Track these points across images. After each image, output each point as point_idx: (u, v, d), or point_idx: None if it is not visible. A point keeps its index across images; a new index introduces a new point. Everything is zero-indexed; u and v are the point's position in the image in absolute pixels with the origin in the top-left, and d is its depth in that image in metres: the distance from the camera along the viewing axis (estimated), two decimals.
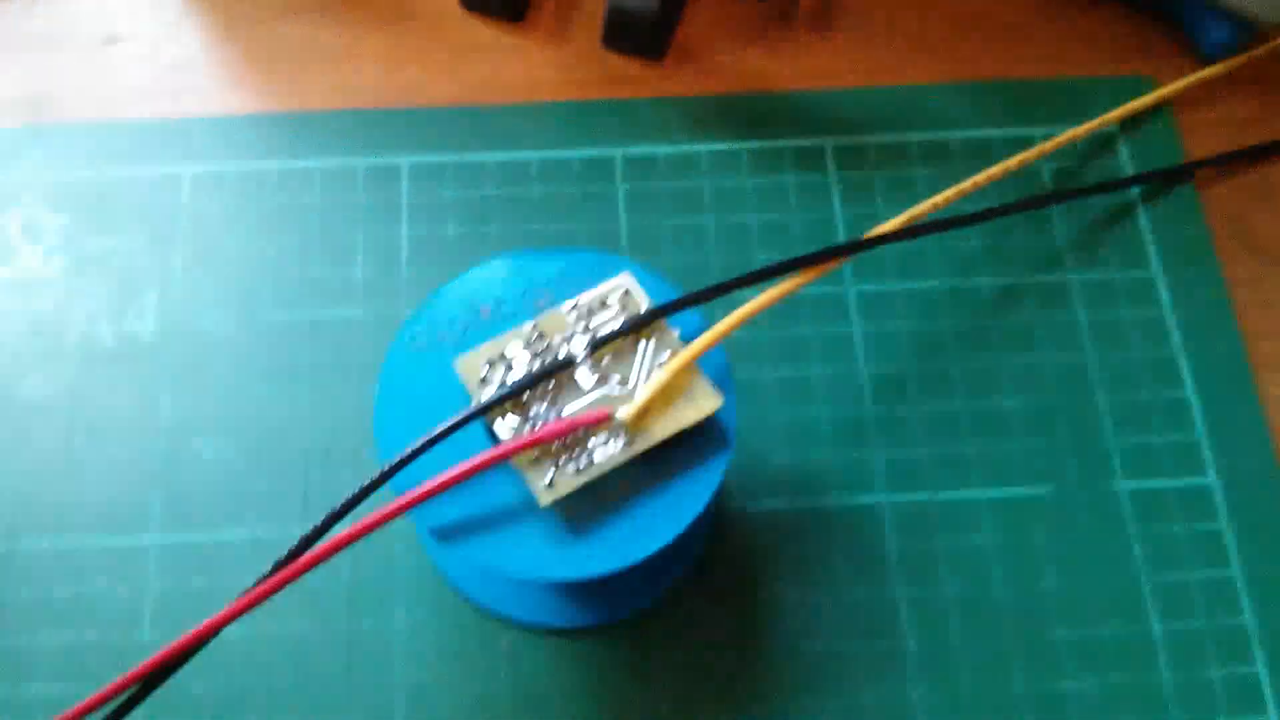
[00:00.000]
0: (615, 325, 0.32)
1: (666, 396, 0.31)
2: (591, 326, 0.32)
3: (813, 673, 0.39)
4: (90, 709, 0.29)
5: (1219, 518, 0.41)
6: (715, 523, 0.41)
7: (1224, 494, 0.42)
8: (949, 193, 0.42)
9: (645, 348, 0.32)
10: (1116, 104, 0.49)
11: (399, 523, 0.40)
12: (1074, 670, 0.39)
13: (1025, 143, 0.49)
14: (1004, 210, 0.42)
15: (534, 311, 0.33)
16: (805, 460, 0.42)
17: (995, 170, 0.44)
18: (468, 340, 0.33)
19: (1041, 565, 0.40)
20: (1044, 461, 0.42)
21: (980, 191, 0.44)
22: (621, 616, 0.39)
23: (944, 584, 0.40)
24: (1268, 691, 0.39)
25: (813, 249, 0.45)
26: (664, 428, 0.31)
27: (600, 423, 0.30)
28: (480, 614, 0.39)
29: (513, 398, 0.30)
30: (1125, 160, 0.49)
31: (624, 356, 0.32)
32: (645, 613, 0.39)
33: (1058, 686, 0.39)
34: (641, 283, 0.33)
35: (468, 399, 0.32)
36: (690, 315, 0.33)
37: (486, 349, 0.31)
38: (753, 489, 0.41)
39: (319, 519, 0.30)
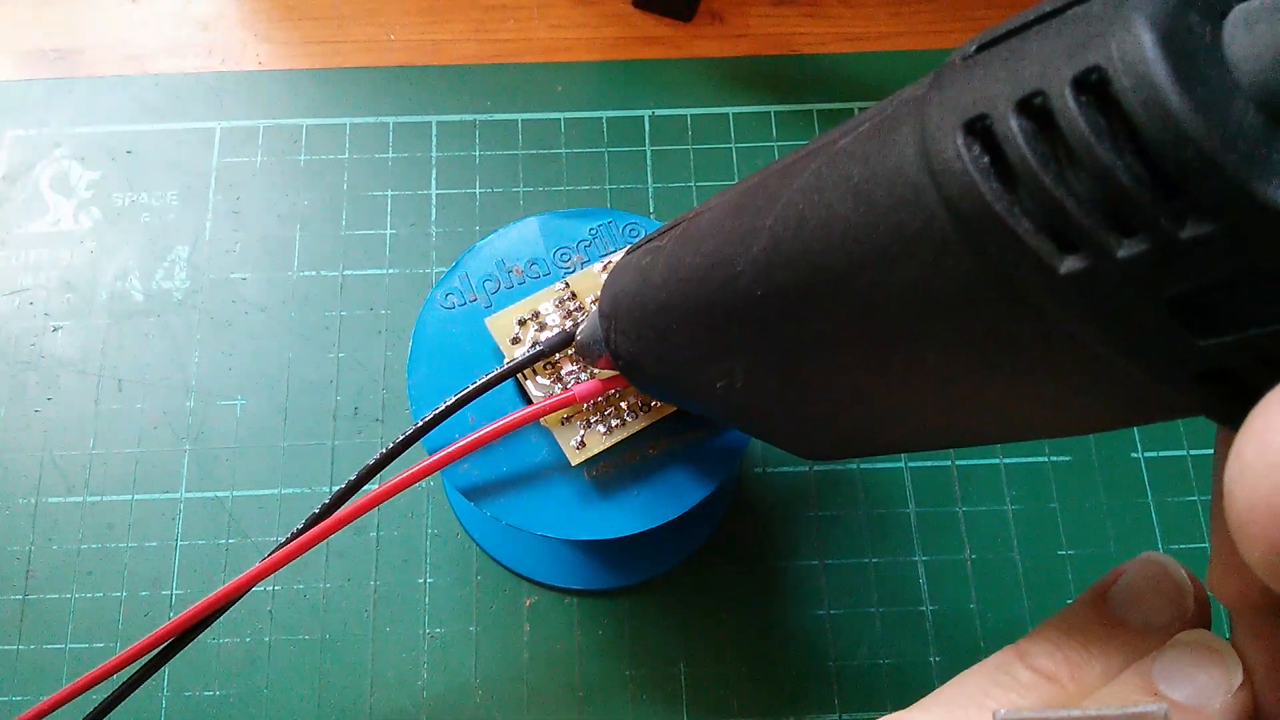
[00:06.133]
0: None
1: None
2: None
3: (831, 635, 0.39)
4: (121, 665, 0.30)
5: None
6: (738, 486, 0.41)
7: None
8: None
9: None
10: None
11: (426, 481, 0.40)
12: None
13: None
14: None
15: (566, 271, 0.33)
16: None
17: None
18: (500, 299, 0.33)
19: (1060, 532, 0.41)
20: None
21: None
22: (643, 578, 0.39)
23: (963, 549, 0.40)
24: None
25: None
26: None
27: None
28: (505, 573, 0.40)
29: (544, 357, 0.30)
30: None
31: None
32: (666, 573, 0.40)
33: None
34: None
35: (499, 358, 0.32)
36: None
37: (519, 308, 0.32)
38: (775, 453, 0.42)
39: (347, 478, 0.30)
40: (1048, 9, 0.14)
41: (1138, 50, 0.12)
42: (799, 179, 0.19)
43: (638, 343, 0.26)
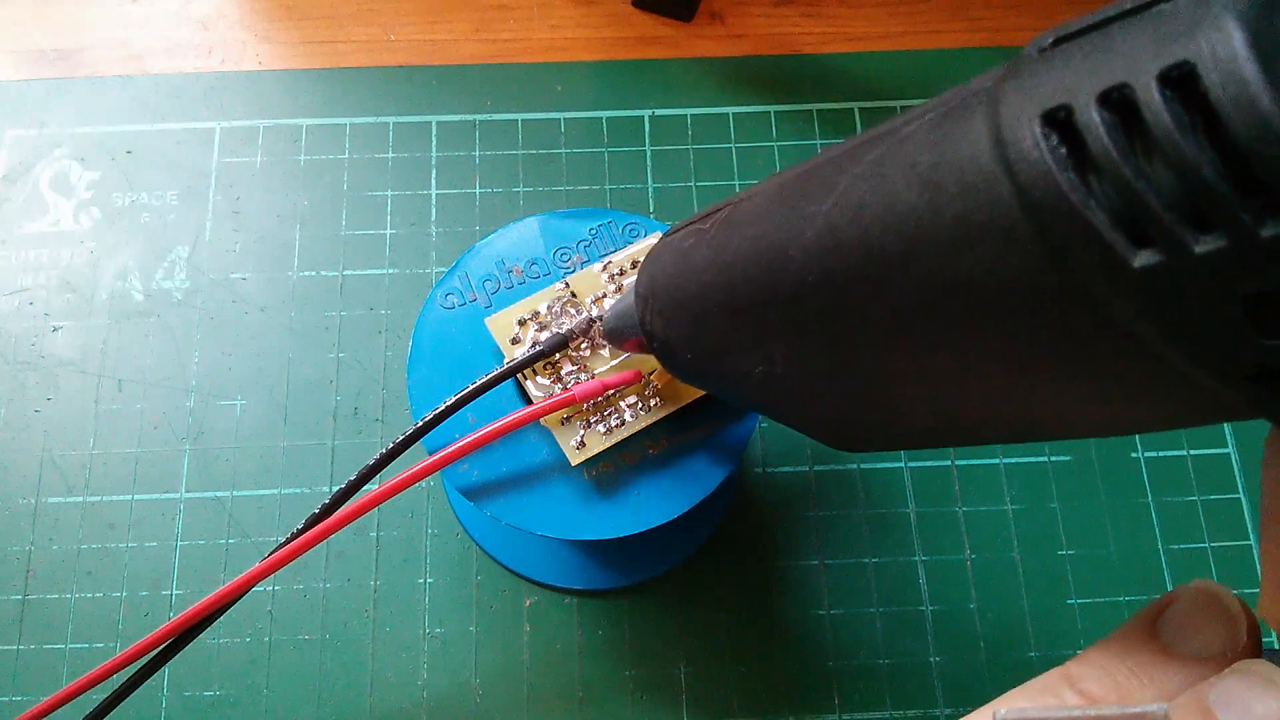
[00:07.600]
0: None
1: None
2: (623, 287, 0.32)
3: (831, 635, 0.39)
4: (121, 665, 0.30)
5: (1237, 487, 0.41)
6: (738, 486, 0.41)
7: (1242, 464, 0.42)
8: None
9: None
10: None
11: (426, 481, 0.40)
12: (1091, 636, 0.39)
13: None
14: None
15: (566, 271, 0.33)
16: None
17: None
18: (500, 299, 0.33)
19: (1060, 532, 0.41)
20: None
21: None
22: (643, 578, 0.39)
23: (963, 549, 0.40)
24: None
25: None
26: (693, 390, 0.31)
27: (630, 384, 0.30)
28: (505, 573, 0.40)
29: (544, 357, 0.30)
30: None
31: None
32: (666, 573, 0.40)
33: (1074, 653, 0.39)
34: None
35: (499, 358, 0.32)
36: None
37: (518, 308, 0.32)
38: (775, 453, 0.42)
39: (347, 478, 0.30)
40: (1129, 6, 0.14)
41: (1228, 48, 0.12)
42: (859, 165, 0.19)
43: (674, 325, 0.26)
